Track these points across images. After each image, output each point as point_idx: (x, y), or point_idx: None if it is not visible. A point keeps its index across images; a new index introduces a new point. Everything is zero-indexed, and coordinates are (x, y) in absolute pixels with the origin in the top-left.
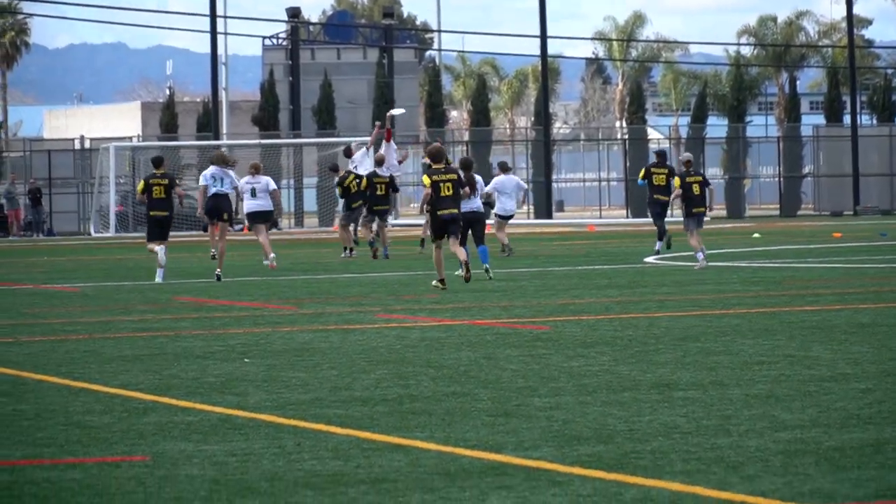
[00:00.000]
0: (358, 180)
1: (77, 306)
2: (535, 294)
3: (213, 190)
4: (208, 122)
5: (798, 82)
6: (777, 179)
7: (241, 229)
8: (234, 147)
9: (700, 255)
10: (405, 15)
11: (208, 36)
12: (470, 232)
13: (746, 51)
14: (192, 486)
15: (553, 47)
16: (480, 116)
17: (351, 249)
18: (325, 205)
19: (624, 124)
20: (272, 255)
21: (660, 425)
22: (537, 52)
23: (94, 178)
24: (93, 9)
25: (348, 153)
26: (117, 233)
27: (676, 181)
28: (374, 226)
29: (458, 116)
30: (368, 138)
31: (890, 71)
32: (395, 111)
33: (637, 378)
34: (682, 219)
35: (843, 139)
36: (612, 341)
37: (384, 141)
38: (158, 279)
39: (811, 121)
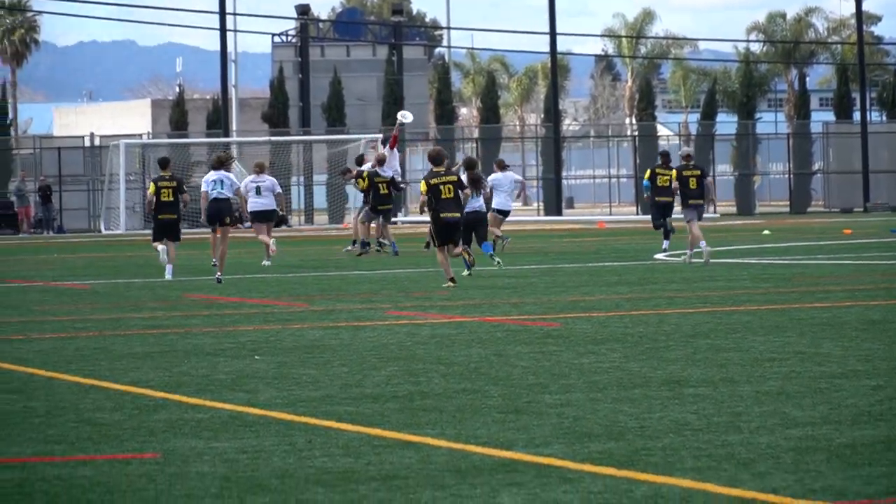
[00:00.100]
0: (385, 183)
1: (87, 303)
2: (545, 291)
3: (213, 195)
4: (218, 120)
5: (807, 79)
6: (787, 176)
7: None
8: (243, 144)
9: (703, 244)
10: (414, 12)
11: (218, 33)
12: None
13: (756, 47)
14: (203, 484)
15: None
16: (490, 113)
17: (365, 244)
18: (335, 202)
19: (633, 121)
20: (273, 250)
21: (670, 422)
22: (547, 48)
23: (104, 176)
24: (102, 6)
25: (360, 162)
26: (127, 230)
27: (673, 174)
28: (374, 224)
29: (467, 113)
30: (378, 136)
31: None
32: (405, 118)
33: (647, 375)
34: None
35: (852, 136)
36: (623, 338)
37: (388, 146)
38: (168, 276)
39: (821, 117)
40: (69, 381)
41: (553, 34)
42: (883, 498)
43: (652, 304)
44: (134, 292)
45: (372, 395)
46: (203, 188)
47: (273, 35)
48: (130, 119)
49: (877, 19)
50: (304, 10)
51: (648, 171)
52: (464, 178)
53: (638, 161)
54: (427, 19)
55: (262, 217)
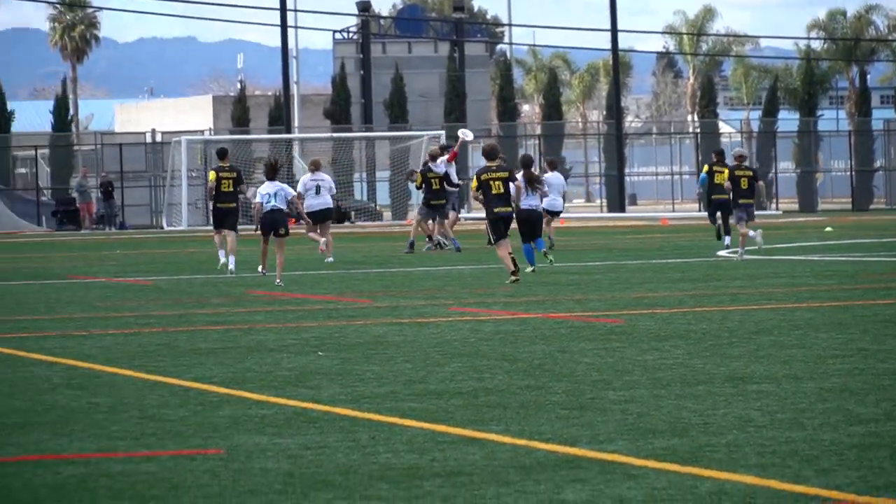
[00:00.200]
0: (438, 178)
1: (150, 299)
2: (609, 287)
3: (267, 207)
4: (280, 116)
5: (868, 76)
6: (849, 173)
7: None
8: (305, 140)
9: (752, 233)
10: (476, 9)
11: (279, 29)
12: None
13: (816, 45)
14: (267, 480)
15: (624, 41)
16: (552, 110)
17: (437, 243)
18: (398, 198)
19: (695, 118)
20: (329, 255)
21: (734, 418)
22: (608, 45)
23: (165, 172)
24: (163, 2)
25: (436, 157)
26: (189, 226)
27: (725, 173)
28: (431, 223)
29: (529, 110)
30: (441, 132)
31: None
32: (466, 136)
33: (711, 371)
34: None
35: None
36: (686, 335)
37: (447, 159)
38: (231, 267)
39: (882, 115)
40: (133, 377)
41: (614, 31)
42: None
43: (715, 300)
44: (196, 288)
45: (436, 391)
46: (257, 199)
47: (334, 31)
48: (192, 115)
49: None
50: (365, 7)
51: (706, 167)
52: (520, 175)
53: (700, 158)
54: (488, 16)
55: (321, 216)
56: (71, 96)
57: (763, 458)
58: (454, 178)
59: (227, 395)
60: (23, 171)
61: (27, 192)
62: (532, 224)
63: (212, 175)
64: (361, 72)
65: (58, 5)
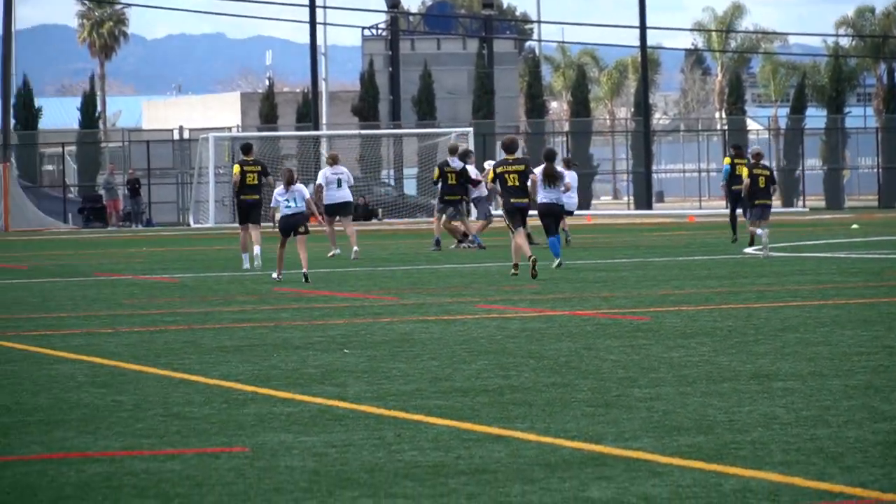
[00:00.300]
0: (455, 174)
1: (176, 297)
2: (635, 284)
3: (285, 210)
4: (308, 113)
5: None
6: (876, 170)
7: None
8: (333, 137)
9: (759, 231)
10: (505, 5)
11: (308, 26)
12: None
13: (845, 42)
14: (292, 478)
15: (652, 38)
16: (580, 107)
17: (462, 238)
18: (425, 196)
19: (723, 115)
20: (337, 251)
21: (759, 416)
22: (637, 42)
23: (193, 169)
24: None
25: (454, 151)
26: (216, 223)
27: (744, 171)
28: (445, 218)
29: (557, 107)
30: (469, 129)
31: None
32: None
33: (737, 368)
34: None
35: None
36: (712, 332)
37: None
38: (257, 262)
39: None
40: (158, 374)
41: (643, 28)
42: None
43: (741, 298)
44: (223, 286)
45: (462, 388)
46: (273, 204)
47: (363, 28)
48: (220, 112)
49: None
50: (394, 4)
51: (728, 158)
52: (539, 169)
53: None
54: (517, 13)
55: (342, 209)
56: (99, 93)
57: (788, 456)
58: (474, 175)
59: (252, 392)
60: (50, 168)
61: (54, 189)
62: (554, 217)
63: (236, 168)
64: (390, 68)
65: (86, 2)
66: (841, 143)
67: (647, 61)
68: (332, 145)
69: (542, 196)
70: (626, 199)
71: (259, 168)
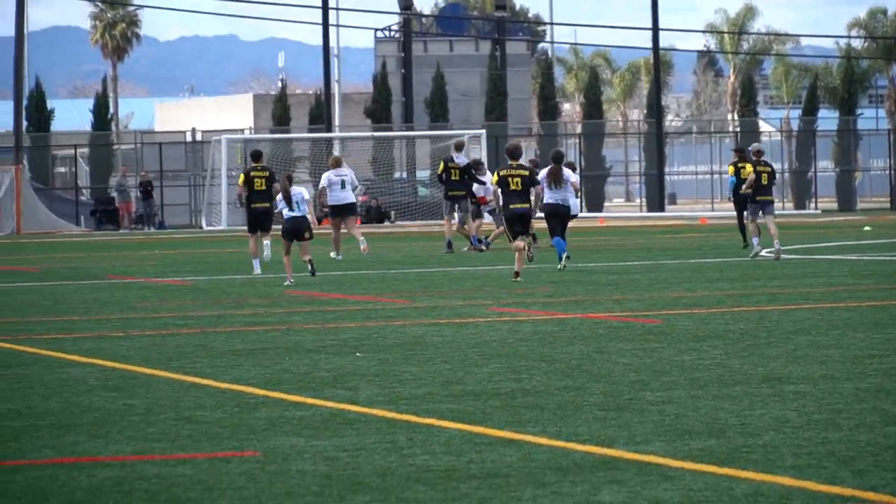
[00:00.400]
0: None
1: (188, 300)
2: (647, 287)
3: (288, 214)
4: (321, 115)
5: None
6: (888, 172)
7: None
8: (346, 139)
9: (755, 241)
10: (517, 7)
11: (320, 28)
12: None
13: (857, 43)
14: (304, 482)
15: (665, 40)
16: (593, 109)
17: (479, 241)
18: (438, 198)
19: (736, 117)
20: (362, 240)
21: (771, 419)
22: (649, 44)
23: (205, 171)
24: (204, 0)
25: (460, 148)
26: (229, 225)
27: (749, 167)
28: (457, 217)
29: (570, 109)
30: (482, 132)
31: None
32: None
33: (748, 372)
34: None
35: None
36: (724, 335)
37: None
38: (256, 270)
39: None
40: (169, 378)
41: (656, 30)
42: None
43: (753, 300)
44: (235, 289)
45: (474, 392)
46: (277, 208)
47: (376, 30)
48: (232, 114)
49: None
50: (407, 5)
51: (731, 167)
52: (545, 171)
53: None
54: (530, 14)
55: (346, 210)
56: (111, 95)
57: (799, 460)
58: (480, 178)
59: (264, 396)
60: (62, 170)
61: (66, 192)
62: (560, 218)
63: (241, 178)
64: (403, 70)
65: (99, 3)
66: (853, 145)
67: (660, 63)
68: (345, 147)
69: (548, 197)
70: (638, 201)
71: (267, 174)
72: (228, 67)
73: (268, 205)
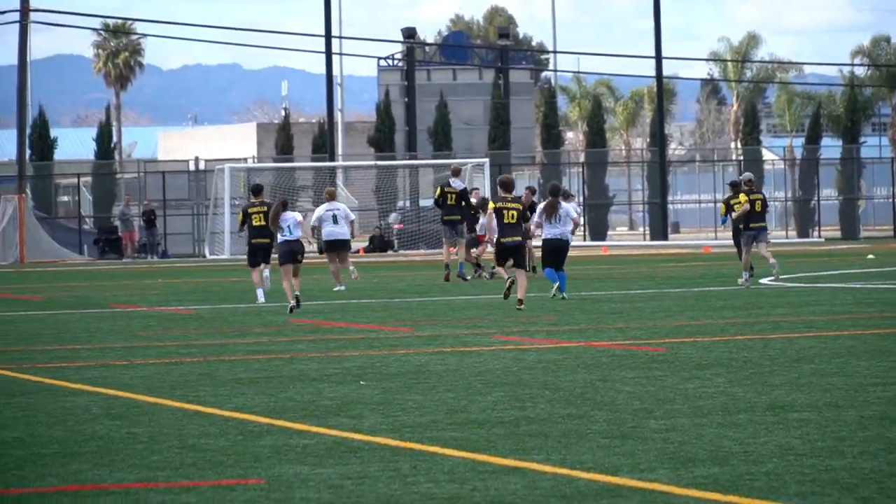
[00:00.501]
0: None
1: (192, 329)
2: (650, 316)
3: (281, 238)
4: (324, 143)
5: None
6: (891, 200)
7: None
8: (349, 168)
9: (745, 275)
10: (521, 36)
11: (324, 56)
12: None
13: (860, 71)
14: None
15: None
16: (596, 137)
17: (478, 267)
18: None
19: (739, 145)
20: (342, 286)
21: (775, 447)
22: (653, 72)
23: (208, 200)
24: (207, 29)
25: (457, 173)
26: (232, 254)
27: (743, 198)
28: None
29: (573, 137)
30: (485, 160)
31: None
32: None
33: (752, 400)
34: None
35: None
36: (728, 363)
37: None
38: (260, 299)
39: None
40: (173, 406)
41: (659, 58)
42: None
43: (757, 328)
44: (238, 317)
45: (477, 420)
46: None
47: (379, 59)
48: (236, 143)
49: None
50: (410, 34)
51: (724, 206)
52: (542, 205)
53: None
54: (533, 43)
55: (339, 245)
56: (114, 123)
57: (803, 487)
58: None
59: (268, 424)
60: (65, 199)
61: (69, 221)
62: (559, 251)
63: (239, 216)
64: (406, 99)
65: (102, 32)
66: (856, 173)
67: (663, 91)
68: (348, 176)
69: (547, 232)
70: (641, 229)
71: (265, 209)
72: (232, 96)
73: (268, 240)
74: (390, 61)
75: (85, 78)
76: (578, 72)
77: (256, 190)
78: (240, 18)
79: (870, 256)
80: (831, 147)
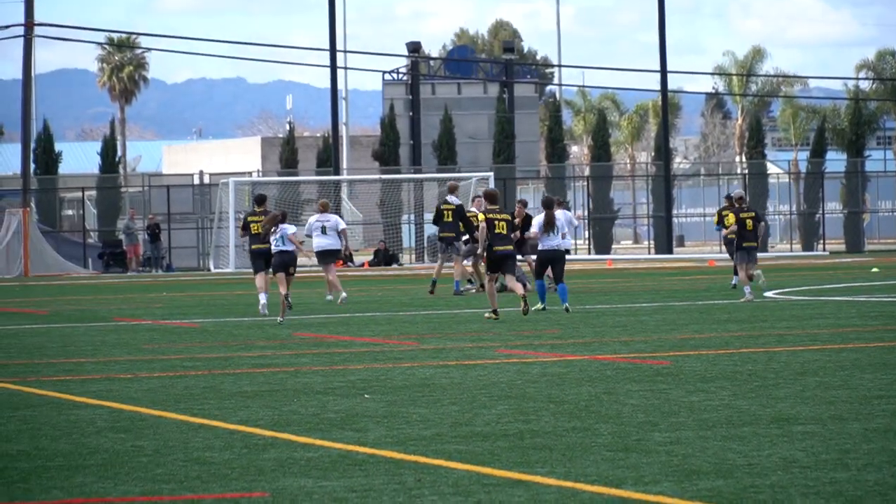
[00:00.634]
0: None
1: (196, 342)
2: (655, 329)
3: (276, 248)
4: (328, 157)
5: None
6: None
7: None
8: (354, 182)
9: (747, 290)
10: (525, 50)
11: (328, 70)
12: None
13: (865, 85)
14: None
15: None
16: (601, 151)
17: (470, 282)
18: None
19: (743, 159)
20: (344, 294)
21: (779, 459)
22: (657, 86)
23: (213, 214)
24: (212, 43)
25: (454, 190)
26: (237, 268)
27: (731, 219)
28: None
29: (578, 151)
30: (489, 174)
31: None
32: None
33: (756, 413)
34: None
35: None
36: (732, 376)
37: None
38: (262, 301)
39: None
40: (177, 419)
41: (664, 72)
42: None
43: (761, 342)
44: (243, 331)
45: (482, 433)
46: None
47: (384, 73)
48: (240, 157)
49: None
50: (415, 48)
51: (717, 216)
52: (539, 217)
53: (749, 199)
54: (538, 57)
55: (328, 256)
56: (119, 137)
57: (807, 500)
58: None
59: (272, 437)
60: (70, 212)
61: (74, 234)
62: (556, 263)
63: (240, 224)
64: (410, 113)
65: (106, 46)
66: (861, 187)
67: (668, 105)
68: (353, 190)
69: (544, 244)
70: (646, 243)
71: (264, 219)
72: (236, 110)
73: (267, 245)
74: (395, 75)
75: (89, 92)
76: (583, 86)
77: (260, 200)
78: (244, 32)
79: (874, 270)
80: (836, 160)
